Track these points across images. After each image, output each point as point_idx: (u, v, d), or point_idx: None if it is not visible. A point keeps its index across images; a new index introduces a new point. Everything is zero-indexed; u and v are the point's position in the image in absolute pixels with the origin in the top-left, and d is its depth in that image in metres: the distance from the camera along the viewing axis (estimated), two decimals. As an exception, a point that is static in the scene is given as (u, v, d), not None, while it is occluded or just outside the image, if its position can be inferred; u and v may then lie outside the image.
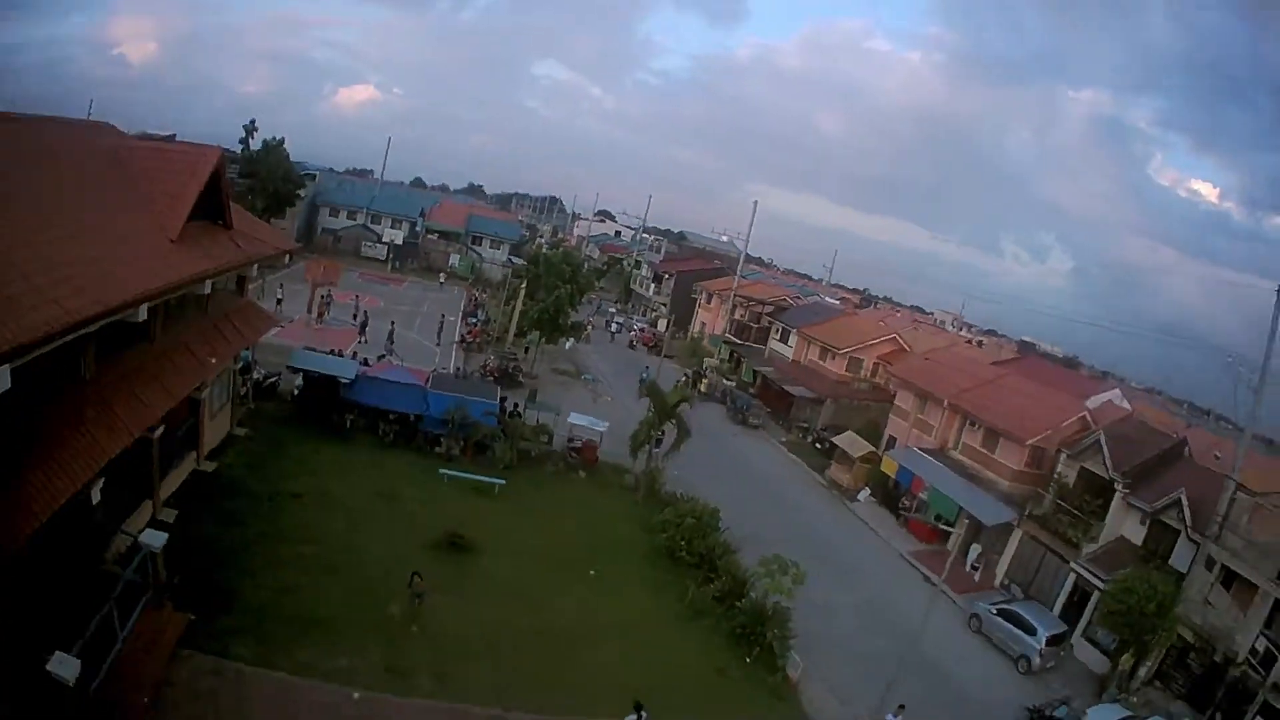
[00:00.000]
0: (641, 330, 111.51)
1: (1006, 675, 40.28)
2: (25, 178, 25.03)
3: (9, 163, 24.93)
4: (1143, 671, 39.78)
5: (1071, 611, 44.80)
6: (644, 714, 26.70)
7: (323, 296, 70.84)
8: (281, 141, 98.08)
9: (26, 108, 37.33)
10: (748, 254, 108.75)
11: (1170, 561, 42.00)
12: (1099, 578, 43.02)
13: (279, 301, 67.12)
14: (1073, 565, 45.30)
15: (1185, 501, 41.58)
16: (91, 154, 31.80)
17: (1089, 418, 55.12)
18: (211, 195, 34.04)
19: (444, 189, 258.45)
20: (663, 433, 49.83)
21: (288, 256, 48.89)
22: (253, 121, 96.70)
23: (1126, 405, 69.15)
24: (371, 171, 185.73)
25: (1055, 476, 50.45)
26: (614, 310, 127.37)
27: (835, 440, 65.50)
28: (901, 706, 26.53)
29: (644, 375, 73.93)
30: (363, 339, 67.14)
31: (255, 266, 41.33)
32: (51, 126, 32.76)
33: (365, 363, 55.39)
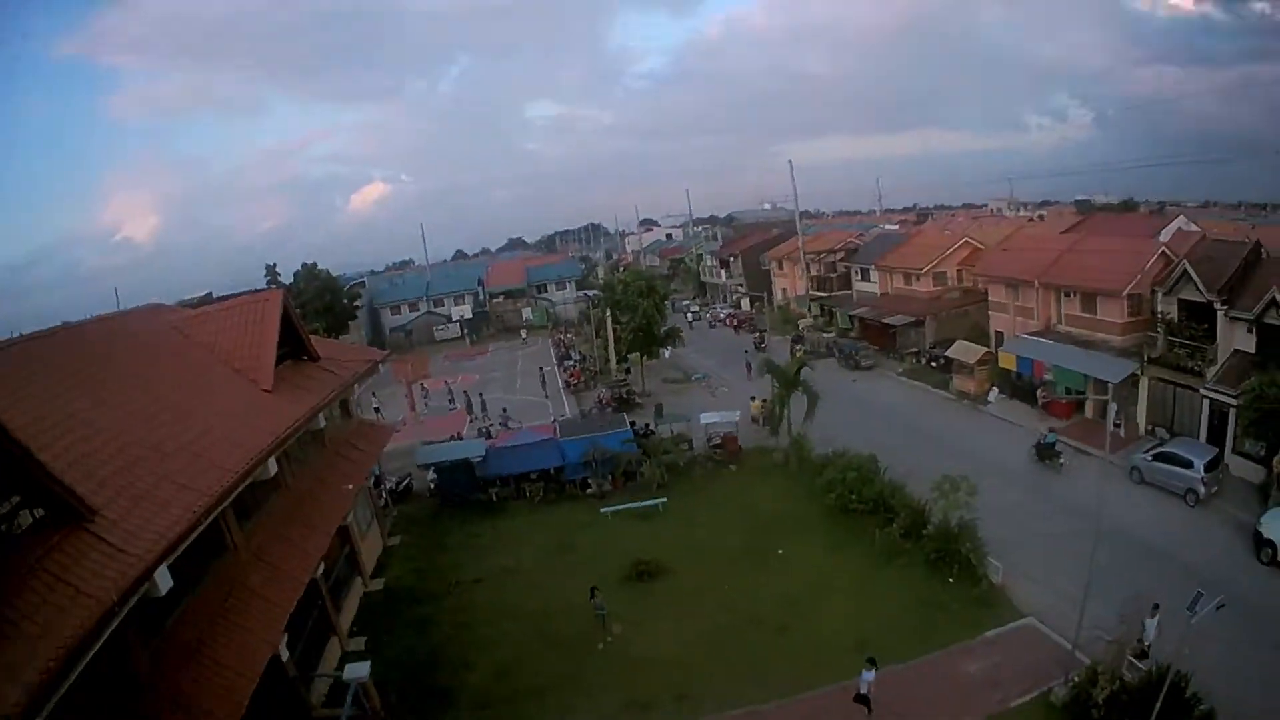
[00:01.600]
0: (729, 316, 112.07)
1: (1177, 513, 40.25)
2: (107, 374, 25.52)
3: (83, 366, 25.14)
4: None
5: (1216, 435, 44.56)
6: (876, 667, 27.06)
7: (408, 394, 71.72)
8: (313, 265, 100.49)
9: (54, 320, 38.55)
10: (800, 211, 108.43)
11: None
12: (1230, 394, 42.85)
13: (377, 410, 68.28)
14: (1202, 392, 45.09)
15: (1279, 297, 41.43)
16: (158, 335, 32.71)
17: (1168, 251, 54.41)
18: (288, 335, 35.07)
19: (485, 253, 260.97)
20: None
21: (379, 366, 49.23)
22: (272, 265, 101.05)
23: (1195, 228, 68.90)
24: (412, 261, 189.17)
25: (1159, 316, 50.09)
26: (686, 302, 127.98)
27: (949, 353, 65.69)
28: (1156, 606, 26.71)
29: (748, 359, 74.95)
30: (473, 418, 67.96)
31: (356, 386, 42.49)
32: (105, 324, 33.58)
33: (489, 436, 56.46)
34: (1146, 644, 25.67)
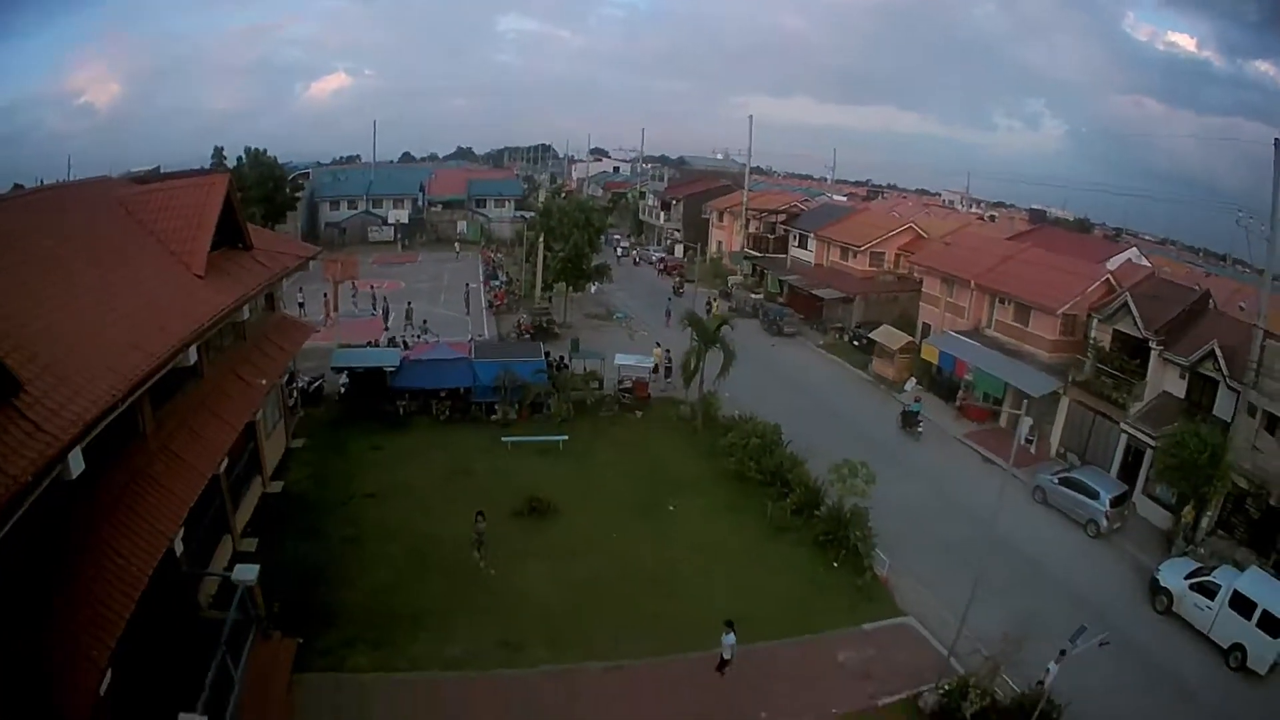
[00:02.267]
0: (662, 260, 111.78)
1: (1076, 541, 40.84)
2: (47, 247, 25.12)
3: (28, 236, 25.06)
4: (1205, 522, 40.13)
5: (1128, 471, 45.15)
6: (735, 630, 27.59)
7: (330, 294, 69.92)
8: (261, 151, 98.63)
9: (10, 180, 37.62)
10: (751, 168, 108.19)
11: (1214, 411, 42.08)
12: (1150, 435, 43.37)
13: (300, 305, 67.16)
14: (1123, 426, 45.60)
15: (1219, 352, 41.44)
16: (101, 210, 31.93)
17: (1112, 280, 54.92)
18: (227, 222, 34.32)
19: (433, 158, 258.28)
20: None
21: (310, 263, 47.63)
22: (219, 149, 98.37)
23: (1145, 263, 70.04)
24: (359, 157, 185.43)
25: (1091, 342, 50.61)
26: (618, 237, 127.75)
27: (872, 335, 66.19)
28: (1063, 652, 27.03)
29: (669, 306, 75.14)
30: (386, 327, 66.89)
31: (284, 280, 41.87)
32: (54, 193, 33.35)
33: (405, 346, 56.05)
34: (1045, 685, 25.86)
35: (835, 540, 35.84)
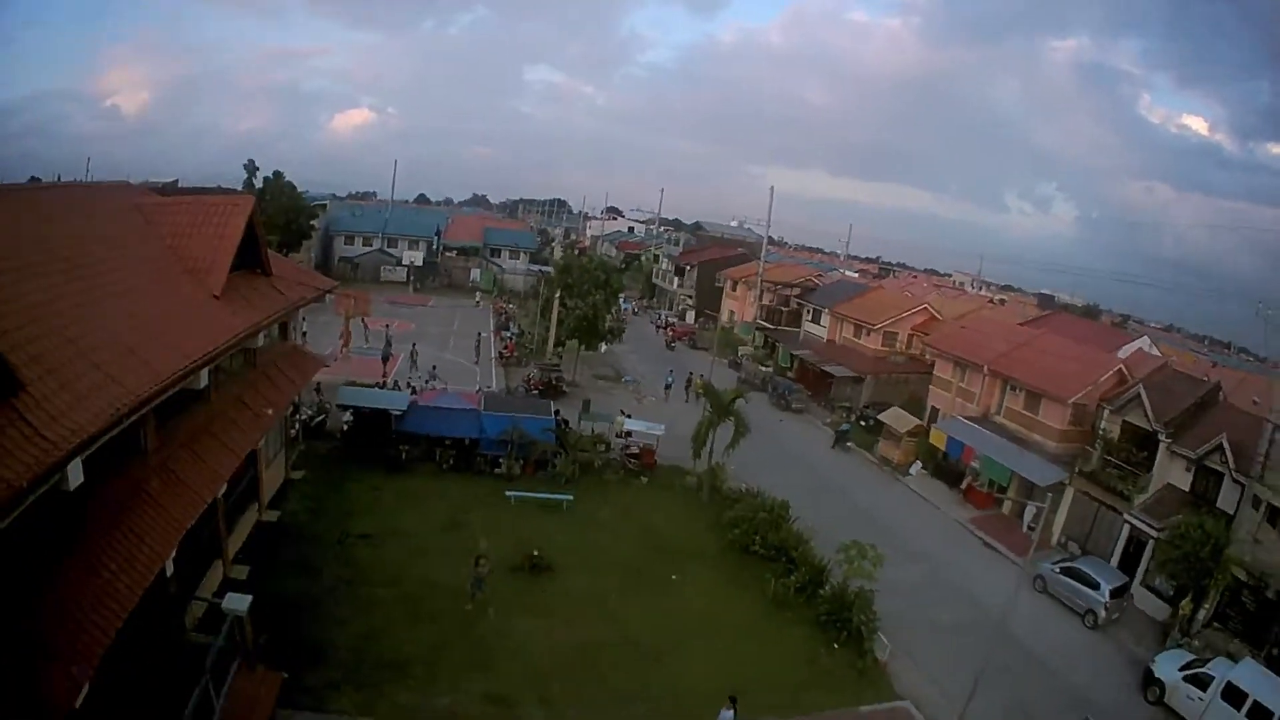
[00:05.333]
0: (672, 325, 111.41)
1: (1074, 631, 40.89)
2: (64, 248, 24.57)
3: (43, 234, 24.60)
4: (1202, 614, 40.22)
5: (1129, 562, 45.26)
6: (736, 707, 27.21)
7: (344, 329, 69.29)
8: (282, 176, 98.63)
9: (29, 171, 37.55)
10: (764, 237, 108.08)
11: (1218, 504, 42.37)
12: (1153, 526, 43.46)
13: (304, 335, 66.07)
14: (1126, 517, 45.68)
15: (1227, 445, 41.90)
16: (120, 216, 31.56)
17: (1124, 370, 55.50)
18: (248, 245, 33.87)
19: (448, 203, 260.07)
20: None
21: (326, 296, 47.47)
22: (252, 161, 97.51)
23: (1156, 353, 70.62)
24: (376, 194, 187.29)
25: (1100, 432, 50.70)
26: (628, 306, 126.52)
27: (880, 417, 65.68)
28: None
29: (669, 380, 74.88)
30: (385, 373, 65.33)
31: (300, 310, 41.63)
32: (73, 191, 32.90)
33: (413, 390, 55.70)
34: None
35: (838, 621, 35.38)
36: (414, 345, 70.69)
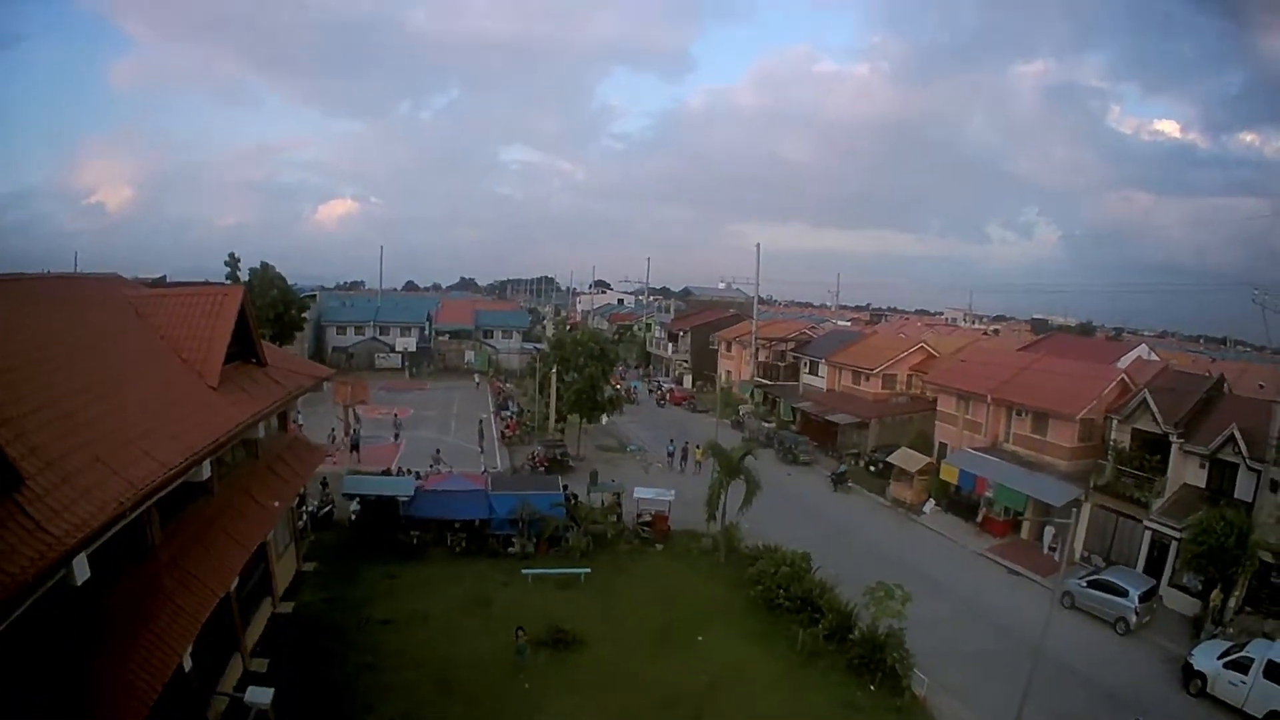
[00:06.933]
0: (670, 390, 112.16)
1: (1106, 640, 40.97)
2: (58, 339, 24.37)
3: (37, 325, 24.36)
4: (1233, 602, 40.61)
5: (1153, 566, 45.56)
6: None
7: (342, 417, 69.58)
8: (270, 267, 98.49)
9: (13, 267, 37.40)
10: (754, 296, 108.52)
11: (1235, 495, 42.98)
12: (1174, 528, 43.81)
13: (299, 425, 65.62)
14: (1145, 523, 46.03)
15: (1239, 435, 42.57)
16: (112, 308, 31.40)
17: (1127, 379, 55.75)
18: (241, 335, 33.74)
19: (437, 288, 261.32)
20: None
21: (323, 382, 47.43)
22: (233, 254, 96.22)
23: (1155, 358, 70.45)
24: (364, 283, 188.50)
25: (1111, 443, 50.98)
26: (621, 369, 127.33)
27: (890, 459, 65.44)
28: None
29: (670, 449, 74.05)
30: (359, 460, 64.76)
31: (299, 400, 41.39)
32: (61, 285, 32.43)
33: (418, 476, 55.40)
34: None
35: (871, 663, 34.99)
36: (396, 420, 72.61)
